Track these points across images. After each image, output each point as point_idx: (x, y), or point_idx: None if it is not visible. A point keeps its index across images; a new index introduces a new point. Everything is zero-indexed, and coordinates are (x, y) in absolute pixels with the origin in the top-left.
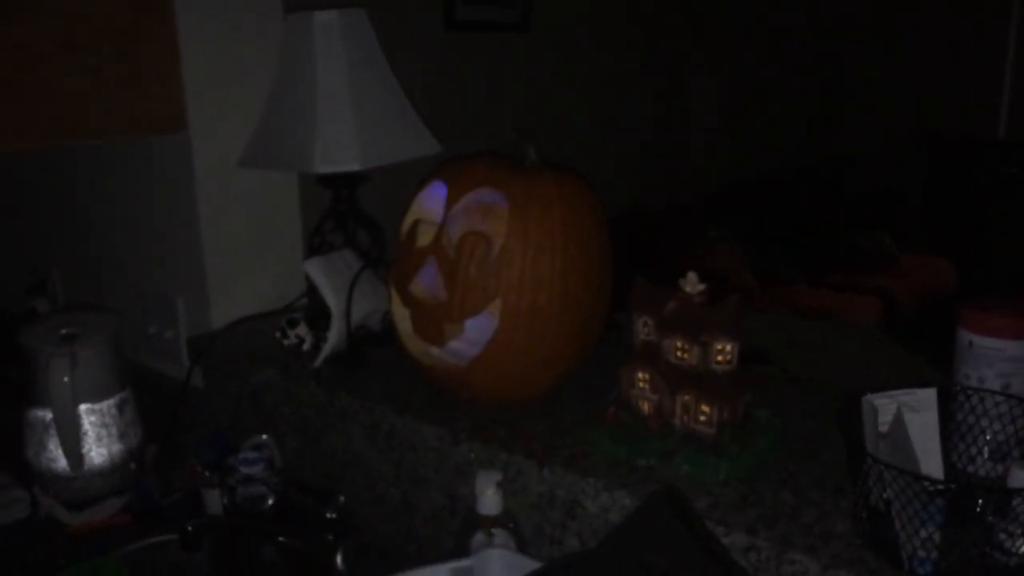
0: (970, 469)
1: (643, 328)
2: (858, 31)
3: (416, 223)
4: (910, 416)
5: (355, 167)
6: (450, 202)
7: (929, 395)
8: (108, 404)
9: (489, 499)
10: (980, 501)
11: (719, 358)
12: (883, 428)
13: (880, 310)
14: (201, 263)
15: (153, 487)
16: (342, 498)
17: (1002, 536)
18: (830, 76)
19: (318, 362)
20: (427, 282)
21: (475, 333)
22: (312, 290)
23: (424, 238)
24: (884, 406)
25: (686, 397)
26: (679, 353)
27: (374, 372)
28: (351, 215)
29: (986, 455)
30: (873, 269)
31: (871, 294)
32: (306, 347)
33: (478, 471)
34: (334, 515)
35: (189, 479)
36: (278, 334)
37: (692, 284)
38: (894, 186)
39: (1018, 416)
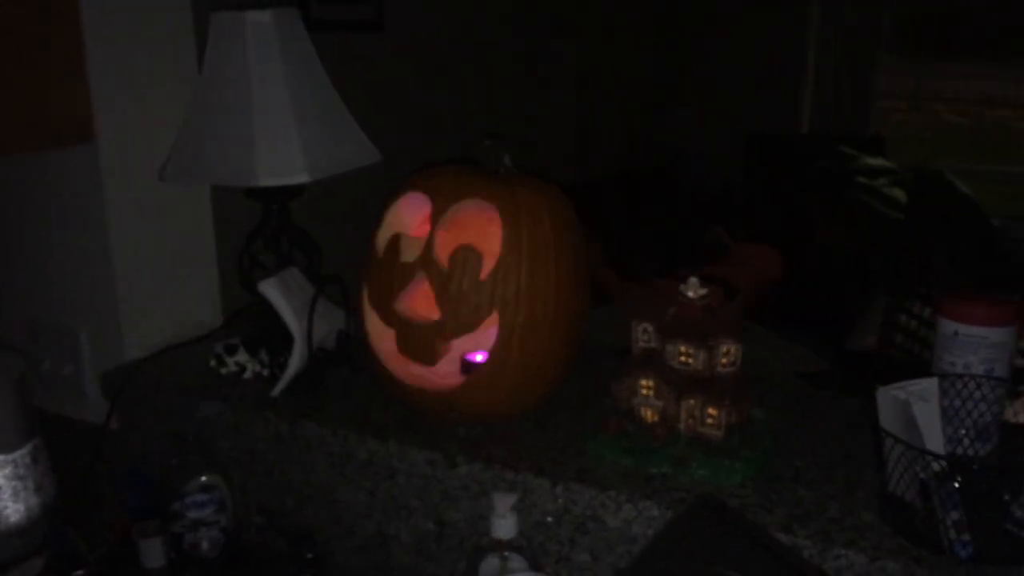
0: (959, 451)
1: (643, 335)
2: (682, 35)
3: (396, 237)
4: (919, 406)
5: (303, 179)
6: (436, 214)
7: (931, 384)
8: (21, 454)
9: (507, 522)
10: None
11: (724, 360)
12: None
13: (723, 299)
14: (111, 290)
15: (76, 541)
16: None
17: (1020, 513)
18: (660, 76)
19: (278, 389)
20: (416, 299)
21: (469, 350)
22: (257, 313)
23: (409, 253)
24: (895, 398)
25: (691, 402)
26: (683, 358)
27: (335, 396)
28: (285, 232)
29: (973, 436)
30: (713, 261)
31: (715, 285)
32: (248, 375)
33: (494, 494)
34: (312, 555)
35: (118, 530)
36: (213, 362)
37: (694, 288)
38: (719, 181)
39: (1000, 398)
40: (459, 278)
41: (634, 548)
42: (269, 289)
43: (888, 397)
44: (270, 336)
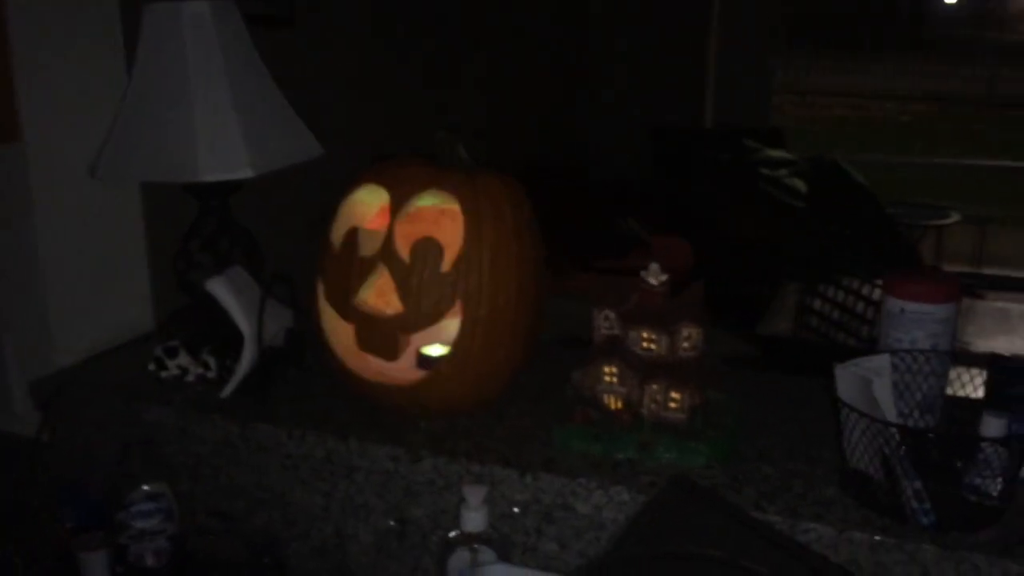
0: (908, 423)
1: (604, 322)
2: (587, 31)
3: (354, 231)
4: (876, 381)
5: (247, 174)
6: (395, 207)
7: (884, 360)
8: None
9: (478, 515)
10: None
11: (686, 344)
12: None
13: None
14: (38, 293)
15: (13, 558)
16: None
17: (977, 480)
18: (568, 72)
19: (228, 390)
20: (376, 293)
21: (432, 343)
22: (195, 314)
23: (368, 246)
24: (855, 374)
25: (654, 386)
26: (646, 343)
27: (286, 396)
28: (225, 229)
29: (922, 409)
30: (630, 253)
31: (633, 276)
32: (190, 378)
33: (465, 487)
34: (270, 560)
35: (57, 545)
36: (152, 366)
37: (655, 275)
38: (628, 175)
39: (945, 371)
40: (420, 271)
41: (603, 534)
42: (217, 288)
43: (847, 374)
44: (212, 337)
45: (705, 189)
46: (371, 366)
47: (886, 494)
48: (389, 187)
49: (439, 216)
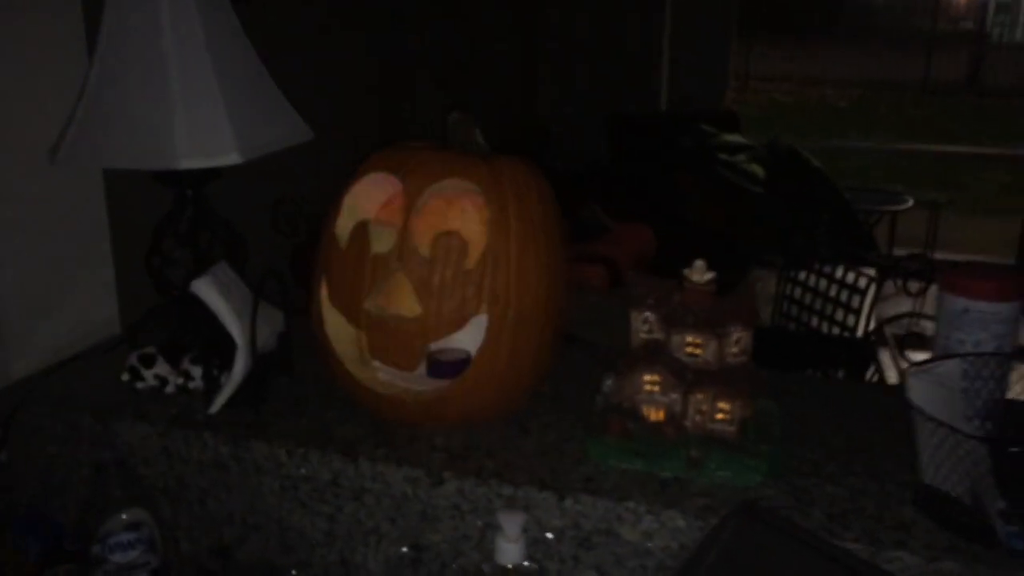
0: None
1: (643, 326)
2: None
3: (363, 225)
4: (946, 388)
5: (233, 160)
6: (409, 198)
7: (955, 366)
8: None
9: (516, 547)
10: None
11: (734, 350)
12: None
13: (606, 276)
14: None
15: None
16: (294, 572)
17: None
18: (524, 58)
19: (217, 405)
20: (393, 296)
21: (455, 351)
22: (169, 316)
23: (381, 243)
24: (927, 382)
25: (699, 396)
26: (690, 349)
27: (282, 409)
28: (204, 222)
29: (980, 416)
30: (593, 239)
31: (598, 262)
32: (170, 389)
33: (500, 514)
34: None
35: None
36: (126, 376)
37: (700, 272)
38: (586, 161)
39: (1006, 375)
40: (442, 269)
41: (649, 562)
42: (204, 289)
43: (923, 381)
44: (193, 342)
45: (665, 175)
46: (384, 377)
47: (971, 516)
48: (402, 176)
49: (460, 207)
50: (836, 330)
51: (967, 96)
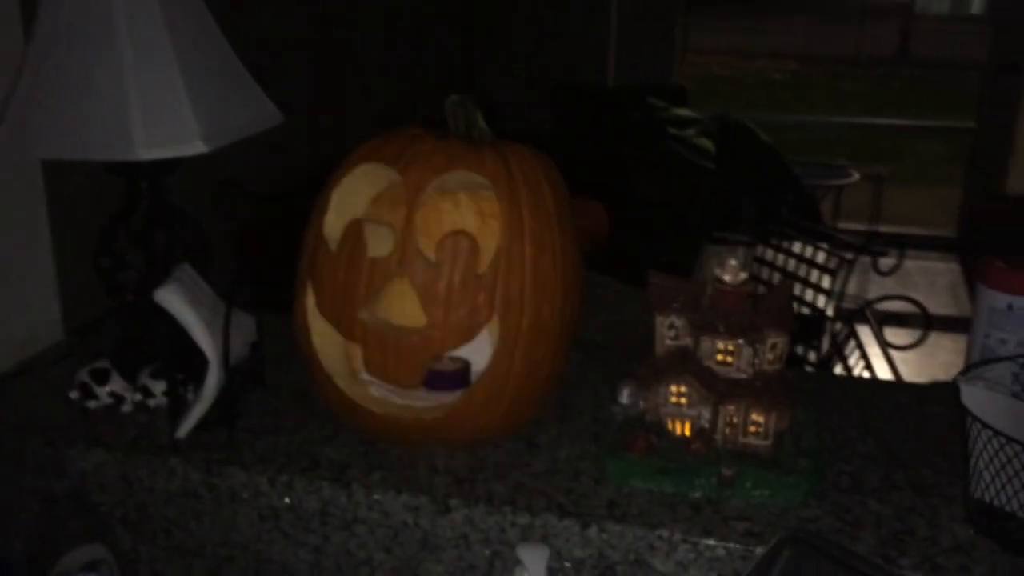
0: None
1: (669, 331)
2: None
3: (357, 225)
4: (1000, 394)
5: (197, 148)
6: (411, 194)
7: (1005, 370)
8: None
9: None
10: None
11: (769, 356)
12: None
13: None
14: None
15: None
16: None
17: None
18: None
19: (186, 429)
20: (395, 304)
21: (454, 360)
22: (129, 321)
23: (380, 245)
24: (984, 392)
25: (730, 407)
26: (721, 356)
27: (257, 429)
28: (159, 218)
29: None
30: None
31: None
32: (127, 408)
33: (521, 548)
34: None
35: None
36: (75, 394)
37: (733, 273)
38: (531, 135)
39: None
40: (450, 274)
41: None
42: (171, 298)
43: (977, 387)
44: (151, 354)
45: (614, 149)
46: (374, 393)
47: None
48: (401, 168)
49: (471, 204)
50: (806, 310)
51: (898, 68)
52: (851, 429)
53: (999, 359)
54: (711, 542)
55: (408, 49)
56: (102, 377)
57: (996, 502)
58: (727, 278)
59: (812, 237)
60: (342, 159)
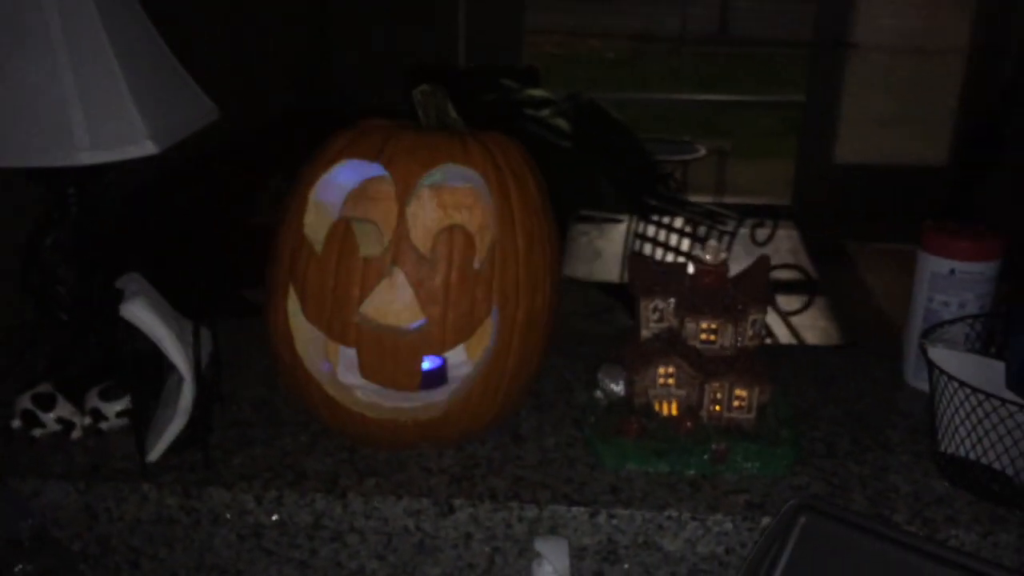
0: None
1: (653, 315)
2: None
3: (345, 224)
4: (960, 354)
5: (147, 149)
6: (402, 190)
7: (958, 331)
8: None
9: None
10: None
11: (750, 332)
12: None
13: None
14: None
15: None
16: None
17: None
18: (319, 10)
19: (159, 451)
20: (389, 304)
21: (461, 362)
22: (61, 338)
23: (372, 243)
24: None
25: (715, 384)
26: (705, 336)
27: (225, 444)
28: (89, 226)
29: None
30: None
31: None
32: (76, 434)
33: (538, 541)
34: None
35: None
36: (17, 423)
37: (714, 252)
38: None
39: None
40: (447, 270)
41: (679, 570)
42: (140, 314)
43: (948, 354)
44: (101, 373)
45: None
46: (360, 397)
47: (1006, 482)
48: (387, 163)
49: (463, 197)
50: None
51: (720, 47)
52: (811, 397)
53: (952, 320)
54: (718, 516)
55: (255, 37)
56: (47, 402)
57: (970, 454)
58: (708, 258)
59: (692, 212)
60: (313, 155)
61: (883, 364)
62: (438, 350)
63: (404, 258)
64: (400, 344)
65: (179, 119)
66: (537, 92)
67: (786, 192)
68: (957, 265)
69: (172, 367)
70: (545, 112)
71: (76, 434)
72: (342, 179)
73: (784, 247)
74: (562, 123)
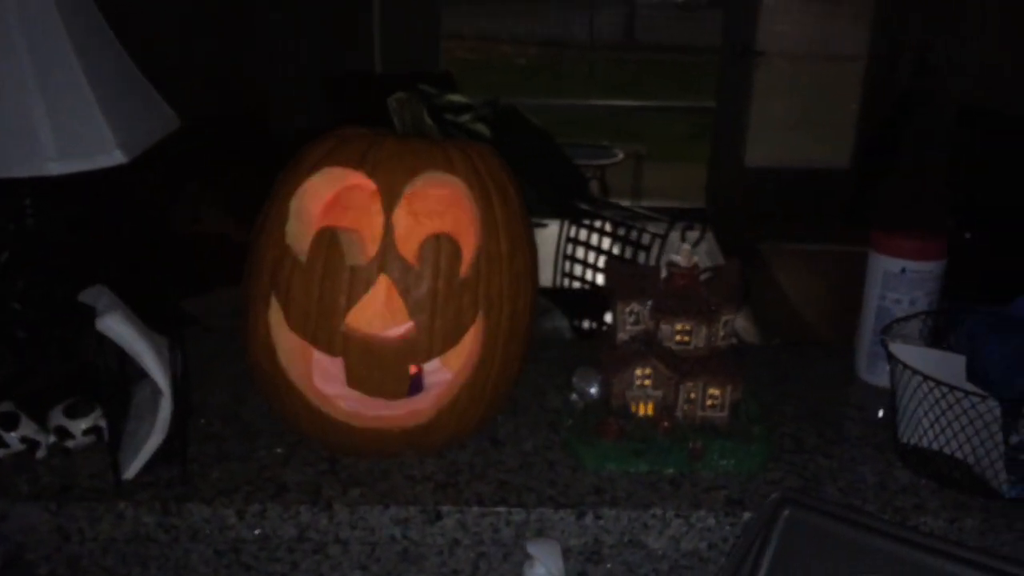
0: None
1: (629, 318)
2: None
3: (329, 233)
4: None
5: (116, 159)
6: (388, 198)
7: (914, 327)
8: None
9: None
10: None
11: (722, 333)
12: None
13: None
14: None
15: None
16: None
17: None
18: (235, 17)
19: (136, 468)
20: (378, 313)
21: (444, 369)
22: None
23: (357, 253)
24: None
25: (689, 384)
26: (680, 337)
27: (199, 458)
28: (47, 240)
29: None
30: None
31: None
32: (41, 453)
33: (530, 544)
34: None
35: None
36: None
37: (686, 256)
38: (305, 124)
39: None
40: (434, 279)
41: (661, 567)
42: (118, 328)
43: (899, 343)
44: (62, 390)
45: None
46: (344, 407)
47: (966, 470)
48: (370, 171)
49: (447, 204)
50: None
51: (627, 53)
52: (771, 394)
53: (907, 317)
54: (701, 513)
55: (168, 43)
56: (10, 422)
57: (932, 445)
58: (681, 262)
59: (623, 216)
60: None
61: (832, 360)
62: (424, 358)
63: (391, 266)
64: (387, 353)
65: (145, 128)
66: (456, 98)
67: (700, 195)
68: (908, 264)
69: (139, 382)
70: (465, 118)
71: (41, 453)
72: (320, 188)
73: (701, 249)
74: (482, 128)
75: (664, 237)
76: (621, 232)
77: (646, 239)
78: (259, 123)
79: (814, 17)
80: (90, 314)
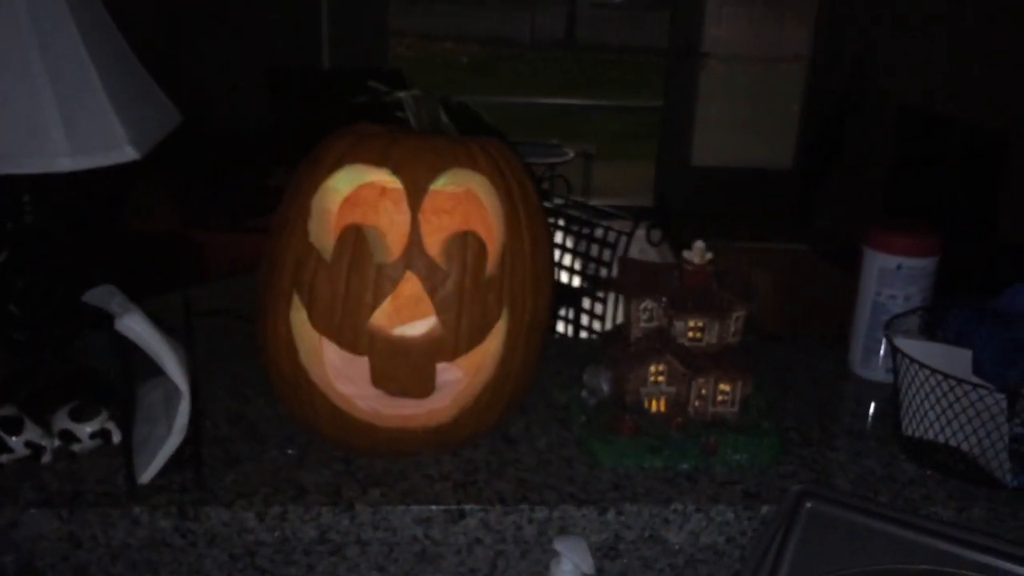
0: None
1: (643, 315)
2: None
3: (355, 231)
4: (918, 342)
5: (128, 155)
6: (414, 196)
7: (914, 321)
8: None
9: None
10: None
11: (733, 329)
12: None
13: None
14: None
15: None
16: None
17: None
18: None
19: (152, 472)
20: (402, 312)
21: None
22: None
23: (384, 250)
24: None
25: (701, 380)
26: (692, 334)
27: (209, 461)
28: (47, 239)
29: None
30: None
31: None
32: (47, 459)
33: (559, 541)
34: None
35: None
36: None
37: (701, 253)
38: (248, 120)
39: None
40: (460, 275)
41: (677, 561)
42: (138, 329)
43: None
44: (65, 393)
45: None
46: (384, 409)
47: (969, 461)
48: (394, 169)
49: (472, 202)
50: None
51: (568, 52)
52: (773, 388)
53: (906, 313)
54: (720, 507)
55: None
56: (14, 426)
57: (938, 437)
58: (696, 259)
59: (588, 214)
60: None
61: (826, 355)
62: (450, 356)
63: (417, 264)
64: (413, 351)
65: (152, 123)
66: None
67: (648, 194)
68: (904, 260)
69: (144, 384)
70: None
71: (46, 458)
72: (342, 185)
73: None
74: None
75: (629, 235)
76: (586, 230)
77: (612, 236)
78: (199, 118)
79: (758, 20)
80: (93, 315)
